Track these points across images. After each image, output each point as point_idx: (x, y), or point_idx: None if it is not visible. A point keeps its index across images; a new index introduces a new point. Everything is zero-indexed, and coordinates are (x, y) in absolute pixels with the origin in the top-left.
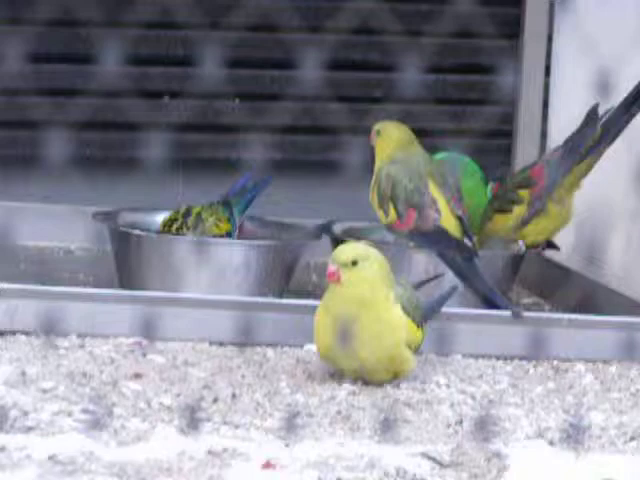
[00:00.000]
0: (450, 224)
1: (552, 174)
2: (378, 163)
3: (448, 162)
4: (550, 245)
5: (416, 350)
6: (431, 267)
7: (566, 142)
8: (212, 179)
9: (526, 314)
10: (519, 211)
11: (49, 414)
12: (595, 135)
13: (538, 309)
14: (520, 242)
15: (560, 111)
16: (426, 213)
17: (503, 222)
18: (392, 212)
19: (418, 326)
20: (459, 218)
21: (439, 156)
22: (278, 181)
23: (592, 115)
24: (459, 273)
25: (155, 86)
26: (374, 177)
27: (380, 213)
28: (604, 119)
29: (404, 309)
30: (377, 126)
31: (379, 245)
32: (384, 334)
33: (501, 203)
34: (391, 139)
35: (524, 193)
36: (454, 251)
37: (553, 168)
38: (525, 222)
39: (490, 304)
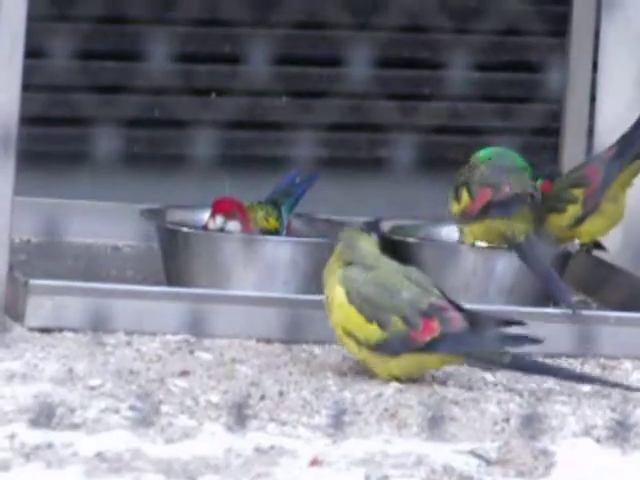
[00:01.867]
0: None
1: (606, 173)
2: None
3: (498, 157)
4: (597, 246)
5: (378, 348)
6: (479, 264)
7: (619, 140)
8: (259, 177)
9: (580, 312)
10: (573, 210)
11: (96, 411)
12: None
13: (585, 307)
14: (575, 241)
15: (607, 108)
16: (502, 188)
17: (557, 221)
18: (465, 196)
19: (369, 321)
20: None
21: (487, 151)
22: (326, 178)
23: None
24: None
25: (202, 83)
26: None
27: (453, 205)
28: None
29: (348, 295)
30: None
31: (427, 243)
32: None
33: (555, 202)
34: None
35: (578, 192)
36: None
37: (607, 167)
38: (579, 221)
39: (550, 288)
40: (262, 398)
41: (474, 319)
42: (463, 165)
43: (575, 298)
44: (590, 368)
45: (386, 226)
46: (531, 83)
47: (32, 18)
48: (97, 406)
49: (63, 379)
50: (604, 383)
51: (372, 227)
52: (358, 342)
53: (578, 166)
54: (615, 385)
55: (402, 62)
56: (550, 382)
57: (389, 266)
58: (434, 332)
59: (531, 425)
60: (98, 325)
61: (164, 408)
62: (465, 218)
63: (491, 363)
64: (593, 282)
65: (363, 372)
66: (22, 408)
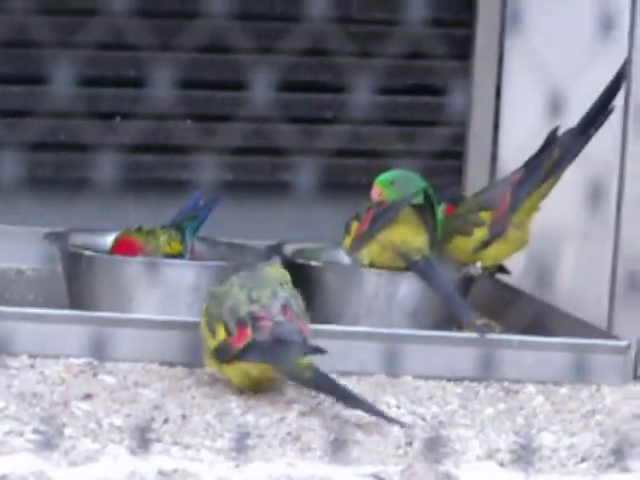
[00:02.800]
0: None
1: (514, 197)
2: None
3: (400, 179)
4: (501, 269)
5: (215, 356)
6: (382, 287)
7: (527, 164)
8: (163, 200)
9: (486, 334)
10: (480, 234)
11: (0, 434)
12: (554, 157)
13: (489, 330)
14: (477, 264)
15: (510, 133)
16: (382, 201)
17: (463, 244)
18: (354, 225)
19: (209, 331)
20: None
21: (390, 174)
22: (229, 202)
23: (552, 137)
24: (429, 277)
25: (107, 107)
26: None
27: (346, 240)
28: (562, 141)
29: (207, 307)
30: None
31: (329, 266)
32: None
33: (461, 225)
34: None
35: (486, 215)
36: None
37: (514, 191)
38: (485, 245)
39: (452, 307)
40: (165, 421)
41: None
42: (365, 187)
43: (479, 321)
44: (494, 391)
45: (289, 249)
46: (434, 106)
47: None
48: (1, 429)
49: None
50: (383, 417)
51: (274, 250)
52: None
53: (485, 189)
54: (390, 419)
55: (305, 85)
56: (454, 405)
57: (240, 276)
58: (247, 339)
59: (434, 449)
60: (1, 348)
61: (68, 431)
62: (357, 244)
63: (293, 377)
64: (497, 305)
65: (266, 396)
66: None
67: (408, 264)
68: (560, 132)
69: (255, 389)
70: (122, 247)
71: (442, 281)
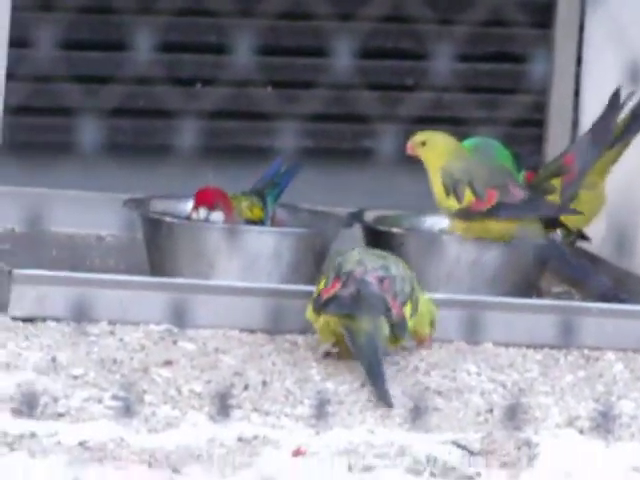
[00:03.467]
0: None
1: (583, 160)
2: (433, 171)
3: (482, 147)
4: (581, 236)
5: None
6: (463, 254)
7: (592, 128)
8: (244, 167)
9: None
10: (553, 200)
11: (79, 401)
12: (624, 121)
13: (568, 298)
14: (557, 231)
15: (591, 100)
16: (511, 191)
17: None
18: (468, 194)
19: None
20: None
21: (471, 141)
22: (310, 169)
23: (614, 99)
24: (554, 250)
25: (187, 73)
26: (435, 179)
27: (448, 202)
28: (634, 105)
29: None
30: (420, 137)
31: (410, 233)
32: None
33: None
34: (439, 149)
35: (556, 182)
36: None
37: (584, 154)
38: None
39: (585, 280)
40: (245, 388)
41: None
42: None
43: (558, 289)
44: (573, 359)
45: (370, 216)
46: (515, 74)
47: (16, 8)
48: (80, 395)
49: (46, 368)
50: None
51: (356, 217)
52: None
53: (557, 156)
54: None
55: (386, 53)
56: (534, 372)
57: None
58: (332, 292)
59: (514, 416)
60: (81, 315)
61: (147, 398)
62: (464, 215)
63: (350, 338)
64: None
65: (347, 363)
66: (5, 397)
67: (531, 246)
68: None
69: (337, 344)
70: (203, 195)
71: (573, 258)
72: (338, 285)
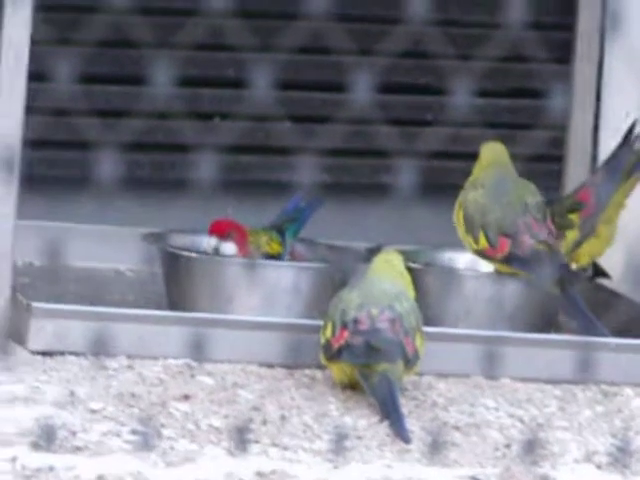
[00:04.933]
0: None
1: (600, 195)
2: (467, 183)
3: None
4: (601, 273)
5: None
6: (481, 289)
7: (606, 162)
8: (262, 201)
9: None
10: (572, 235)
11: (98, 434)
12: (634, 157)
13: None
14: (573, 266)
15: (611, 135)
16: (520, 239)
17: None
18: (482, 239)
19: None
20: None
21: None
22: (328, 204)
23: (629, 133)
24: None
25: (206, 107)
26: (459, 200)
27: (468, 239)
28: None
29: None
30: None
31: (429, 268)
32: None
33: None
34: (481, 161)
35: (574, 217)
36: (554, 275)
37: (600, 189)
38: (577, 245)
39: (588, 331)
40: (264, 423)
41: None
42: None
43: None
44: (591, 394)
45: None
46: (534, 109)
47: (35, 42)
48: (99, 429)
49: (65, 402)
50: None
51: (374, 252)
52: None
53: (571, 192)
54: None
55: (405, 88)
56: (552, 407)
57: (366, 286)
58: (342, 341)
59: (532, 451)
60: (100, 349)
61: (166, 432)
62: (482, 257)
63: (364, 377)
64: (594, 308)
65: (365, 397)
66: (24, 431)
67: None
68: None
69: (354, 386)
70: (216, 225)
71: (583, 310)
72: (346, 334)
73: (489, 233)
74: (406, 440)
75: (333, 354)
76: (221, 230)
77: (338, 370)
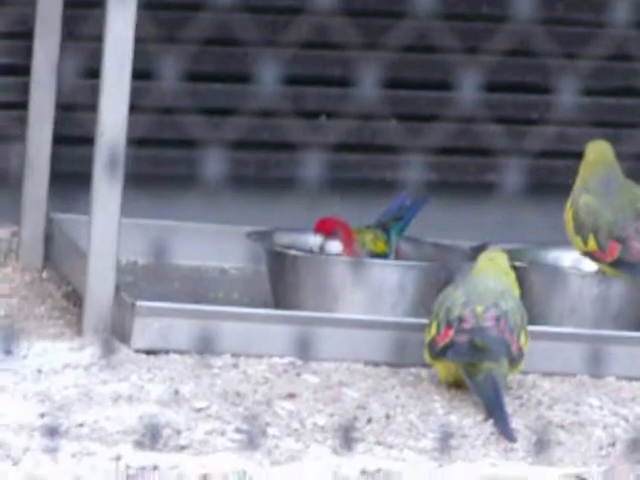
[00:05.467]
0: None
1: None
2: (577, 184)
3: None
4: None
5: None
6: (586, 288)
7: None
8: (368, 199)
9: None
10: None
11: (202, 433)
12: None
13: None
14: None
15: None
16: (631, 245)
17: None
18: (592, 242)
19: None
20: None
21: None
22: (434, 202)
23: None
24: None
25: (312, 106)
26: (570, 200)
27: (577, 240)
28: None
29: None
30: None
31: (534, 266)
32: None
33: None
34: (588, 160)
35: None
36: None
37: None
38: None
39: None
40: (369, 421)
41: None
42: (571, 189)
43: None
44: None
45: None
46: (638, 108)
47: (140, 40)
48: (203, 428)
49: (169, 401)
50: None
51: (479, 251)
52: None
53: None
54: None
55: (511, 86)
56: None
57: (471, 284)
58: (447, 339)
59: (637, 449)
60: (204, 347)
61: (270, 430)
62: (591, 258)
63: (468, 376)
64: None
65: (470, 396)
66: (128, 430)
67: None
68: None
69: (458, 384)
70: (322, 223)
71: None
72: (451, 332)
73: (600, 237)
74: (511, 439)
75: (438, 352)
76: (327, 228)
77: (443, 368)
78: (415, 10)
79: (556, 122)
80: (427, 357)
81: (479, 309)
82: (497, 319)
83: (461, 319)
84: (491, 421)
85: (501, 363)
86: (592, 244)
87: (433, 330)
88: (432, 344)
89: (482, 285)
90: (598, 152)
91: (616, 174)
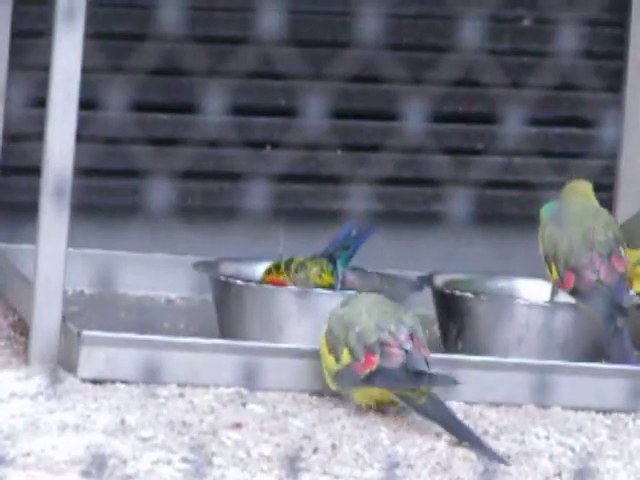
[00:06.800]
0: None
1: None
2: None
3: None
4: None
5: (336, 379)
6: (533, 318)
7: None
8: (313, 230)
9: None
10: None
11: (148, 463)
12: None
13: (638, 362)
14: (632, 292)
15: None
16: (583, 275)
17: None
18: (554, 271)
19: (329, 353)
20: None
21: (549, 207)
22: (380, 232)
23: None
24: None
25: (257, 136)
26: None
27: (547, 269)
28: None
29: (327, 328)
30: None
31: (481, 297)
32: None
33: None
34: (563, 194)
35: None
36: (611, 312)
37: None
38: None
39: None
40: (315, 451)
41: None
42: (517, 219)
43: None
44: None
45: (440, 280)
46: (585, 138)
47: (86, 70)
48: (149, 457)
49: (115, 430)
50: (487, 453)
51: (426, 281)
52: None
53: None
54: (493, 456)
55: (457, 116)
56: (603, 436)
57: (363, 300)
58: (373, 366)
59: None
60: (151, 377)
61: (216, 460)
62: (560, 288)
63: (407, 401)
64: None
65: (416, 426)
66: (74, 459)
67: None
68: None
69: (377, 409)
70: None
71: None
72: (375, 358)
73: (559, 266)
74: (503, 461)
75: (363, 380)
76: None
77: (363, 395)
78: (361, 40)
79: (502, 152)
80: (335, 385)
81: (393, 329)
82: (410, 337)
83: (383, 343)
84: (437, 451)
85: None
86: (554, 273)
87: (346, 357)
88: (349, 372)
89: (375, 300)
90: (574, 186)
91: (587, 207)
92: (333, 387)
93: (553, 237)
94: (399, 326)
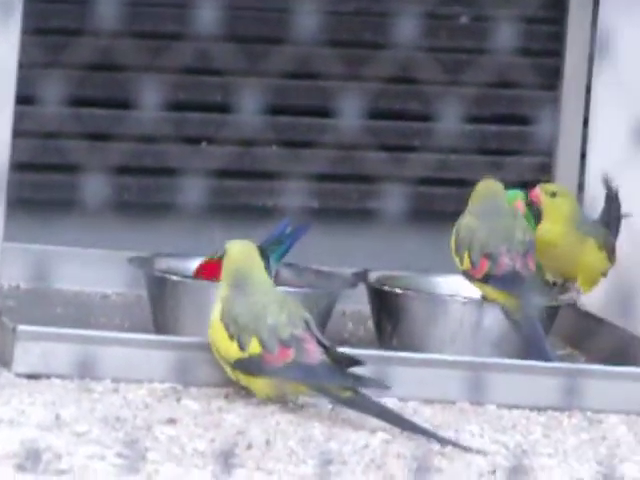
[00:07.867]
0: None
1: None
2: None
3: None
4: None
5: (237, 366)
6: (467, 316)
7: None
8: (249, 226)
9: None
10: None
11: (83, 457)
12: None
13: (572, 360)
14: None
15: (597, 163)
16: (500, 260)
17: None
18: (467, 260)
19: (230, 339)
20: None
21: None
22: (315, 229)
23: (608, 190)
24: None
25: (193, 132)
26: (455, 225)
27: (456, 260)
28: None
29: (222, 312)
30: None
31: (415, 294)
32: None
33: None
34: (475, 192)
35: None
36: (527, 293)
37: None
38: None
39: (537, 355)
40: (249, 447)
41: (334, 357)
42: (452, 216)
43: (562, 351)
44: (577, 421)
45: (374, 277)
46: (522, 135)
47: (22, 65)
48: (84, 452)
49: (50, 425)
50: (434, 436)
51: (360, 277)
52: (222, 358)
53: None
54: (443, 440)
55: (393, 113)
56: (537, 434)
57: (268, 293)
58: (288, 359)
59: (517, 478)
60: (85, 372)
61: (151, 455)
62: (467, 277)
63: (329, 396)
64: (580, 335)
65: (350, 422)
66: (8, 453)
67: (509, 319)
68: None
69: (278, 401)
70: (205, 272)
71: (537, 341)
72: (290, 353)
73: (473, 254)
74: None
75: (277, 372)
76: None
77: (265, 386)
78: (297, 36)
79: (438, 149)
80: (237, 375)
81: (298, 322)
82: (316, 331)
83: (299, 339)
84: (371, 448)
85: None
86: (467, 262)
87: (256, 348)
88: (257, 362)
89: (266, 293)
90: (486, 186)
91: (500, 204)
92: (232, 375)
93: (471, 226)
94: (307, 320)
